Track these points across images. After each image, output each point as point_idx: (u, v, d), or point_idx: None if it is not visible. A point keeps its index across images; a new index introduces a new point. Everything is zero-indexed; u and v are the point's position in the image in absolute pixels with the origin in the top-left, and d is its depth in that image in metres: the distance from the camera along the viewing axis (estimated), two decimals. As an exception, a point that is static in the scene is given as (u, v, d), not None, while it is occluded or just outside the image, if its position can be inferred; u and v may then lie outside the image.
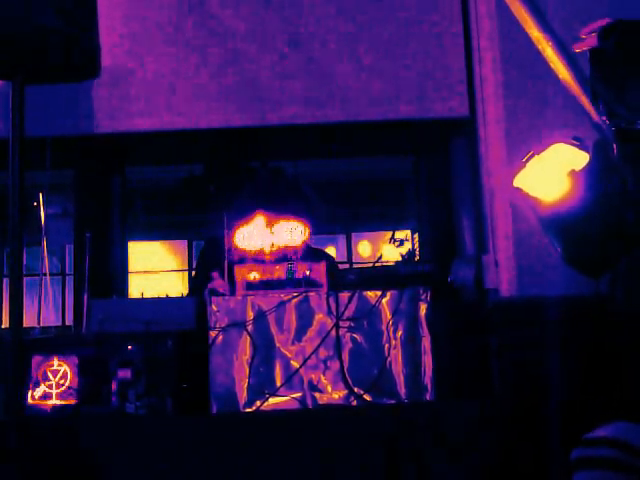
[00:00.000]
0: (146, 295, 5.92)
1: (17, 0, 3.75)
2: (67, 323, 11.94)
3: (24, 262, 4.17)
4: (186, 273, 14.29)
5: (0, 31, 3.78)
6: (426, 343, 4.64)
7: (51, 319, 6.72)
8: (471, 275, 5.29)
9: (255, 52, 5.77)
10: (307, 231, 4.92)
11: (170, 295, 6.18)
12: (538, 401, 4.38)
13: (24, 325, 4.06)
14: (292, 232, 4.89)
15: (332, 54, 5.81)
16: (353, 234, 14.20)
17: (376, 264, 5.05)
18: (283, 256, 4.82)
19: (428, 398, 4.59)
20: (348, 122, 5.88)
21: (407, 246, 5.72)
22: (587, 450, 2.17)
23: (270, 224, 4.93)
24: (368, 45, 5.79)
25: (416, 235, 7.92)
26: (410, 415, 4.38)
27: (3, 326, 8.39)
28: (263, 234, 4.89)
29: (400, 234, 6.49)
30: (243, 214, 5.10)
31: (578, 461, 2.21)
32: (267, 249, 4.85)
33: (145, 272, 14.14)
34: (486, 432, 4.25)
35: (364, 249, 13.99)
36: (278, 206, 5.27)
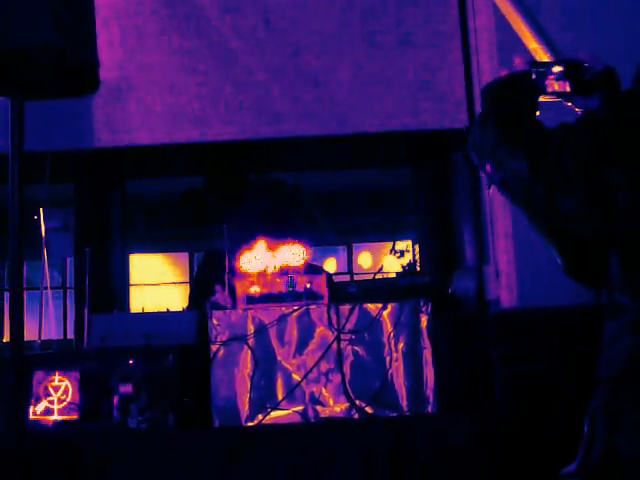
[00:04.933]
0: (147, 308, 5.92)
1: (15, 17, 3.75)
2: (68, 336, 11.94)
3: (25, 276, 4.17)
4: (187, 285, 14.28)
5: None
6: (427, 355, 4.64)
7: (52, 333, 6.73)
8: (472, 286, 5.28)
9: (253, 67, 5.78)
10: (307, 252, 4.93)
11: (171, 308, 6.18)
12: (539, 412, 4.38)
13: (25, 339, 4.06)
14: (293, 255, 4.90)
15: (329, 67, 5.82)
16: (354, 245, 14.20)
17: (377, 275, 5.05)
18: (283, 271, 4.82)
19: (430, 410, 4.58)
20: (346, 135, 5.88)
21: (408, 257, 5.71)
22: None
23: (272, 249, 4.94)
24: (366, 58, 5.79)
25: (417, 246, 7.91)
26: (412, 428, 4.37)
27: (4, 340, 8.39)
28: (265, 258, 4.90)
29: (401, 245, 6.47)
30: (243, 232, 5.11)
31: None
32: (270, 271, 4.85)
33: (146, 285, 14.13)
34: (488, 444, 4.25)
35: (365, 260, 13.98)
36: (278, 226, 5.27)
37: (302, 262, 4.92)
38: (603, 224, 1.98)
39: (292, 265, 4.87)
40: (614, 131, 1.98)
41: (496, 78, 2.34)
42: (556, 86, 2.39)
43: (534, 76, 2.35)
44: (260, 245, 4.95)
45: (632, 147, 1.95)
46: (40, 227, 6.08)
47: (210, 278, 5.26)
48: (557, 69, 2.39)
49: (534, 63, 2.39)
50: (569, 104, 2.44)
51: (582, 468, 2.08)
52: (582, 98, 2.39)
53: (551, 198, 1.98)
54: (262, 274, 4.82)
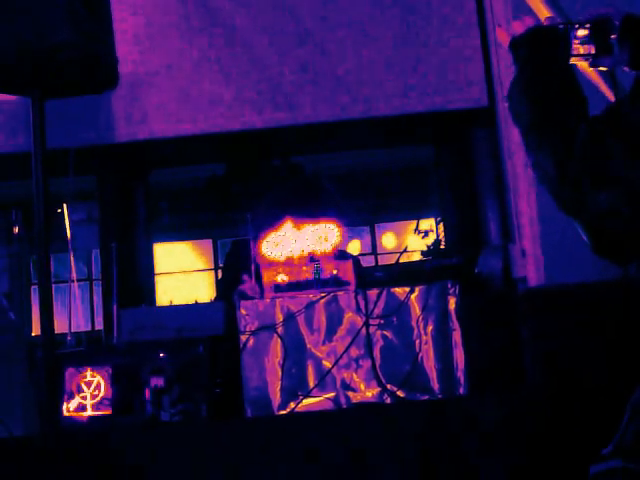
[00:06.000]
0: (174, 298, 5.95)
1: (33, 17, 3.77)
2: (97, 327, 12.01)
3: (52, 269, 4.20)
4: (212, 272, 14.31)
5: (18, 48, 3.81)
6: (457, 337, 4.63)
7: (81, 324, 6.77)
8: (498, 265, 5.26)
9: (271, 54, 5.77)
10: (339, 231, 4.90)
11: (196, 296, 6.20)
12: (571, 390, 4.36)
13: (55, 332, 4.09)
14: (323, 234, 4.87)
15: (350, 48, 5.80)
16: (377, 226, 14.16)
17: (401, 256, 5.04)
18: (309, 257, 4.81)
19: (461, 392, 4.58)
20: (368, 117, 5.87)
21: (432, 236, 5.70)
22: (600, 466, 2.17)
23: (298, 228, 4.91)
24: (386, 37, 5.77)
25: (440, 225, 7.89)
26: (444, 410, 4.37)
27: (34, 334, 8.45)
28: (292, 240, 4.87)
29: (425, 224, 6.45)
30: (268, 218, 5.10)
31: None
32: (296, 255, 4.82)
33: (171, 273, 14.17)
34: (519, 426, 4.24)
35: (389, 240, 13.93)
36: (302, 210, 5.25)
37: (337, 242, 4.88)
38: (636, 222, 1.97)
39: (320, 250, 4.85)
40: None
41: (527, 30, 2.29)
42: (581, 50, 2.35)
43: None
44: (286, 227, 4.94)
45: None
46: (65, 221, 6.10)
47: (237, 268, 5.26)
48: (582, 33, 2.35)
49: (556, 27, 2.35)
50: (595, 67, 2.41)
51: (618, 447, 2.08)
52: (608, 57, 2.36)
53: (579, 199, 1.97)
54: (289, 262, 4.81)
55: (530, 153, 2.12)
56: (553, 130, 2.09)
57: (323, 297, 4.66)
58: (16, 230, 7.41)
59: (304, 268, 4.75)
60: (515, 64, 2.28)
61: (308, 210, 5.45)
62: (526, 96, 2.18)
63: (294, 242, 4.86)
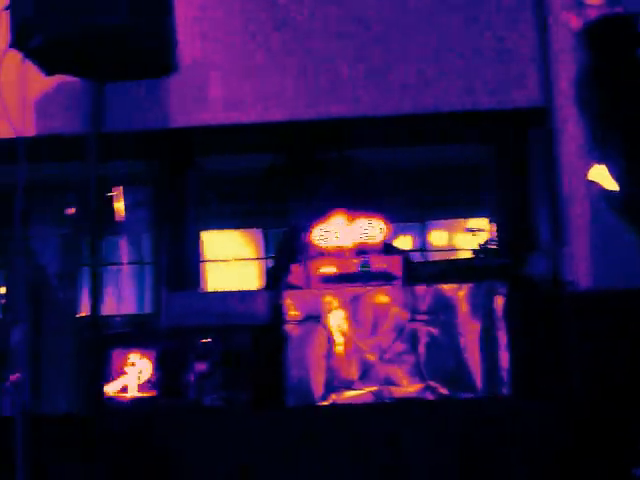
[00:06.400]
0: (222, 286, 5.96)
1: (93, 2, 3.80)
2: (145, 311, 12.07)
3: (103, 252, 4.24)
4: (261, 262, 14.32)
5: (80, 31, 3.85)
6: (502, 336, 4.61)
7: (130, 307, 6.83)
8: (548, 268, 5.23)
9: (331, 47, 5.77)
10: (386, 228, 4.91)
11: (246, 286, 6.21)
12: (615, 393, 4.34)
13: (104, 313, 4.12)
14: (371, 229, 4.88)
15: (411, 43, 5.80)
16: (428, 222, 14.09)
17: (451, 254, 5.03)
18: (358, 250, 4.81)
19: (505, 392, 4.56)
20: (425, 113, 5.87)
21: (483, 236, 5.67)
22: None
23: (350, 221, 4.92)
24: (443, 36, 5.76)
25: (492, 225, 7.84)
26: (486, 410, 4.35)
27: (83, 314, 8.52)
28: (342, 232, 4.89)
29: (476, 223, 6.43)
30: (321, 208, 5.11)
31: None
32: (345, 247, 4.83)
33: (220, 260, 14.20)
34: (563, 429, 4.21)
35: (439, 238, 13.88)
36: (353, 204, 5.26)
37: (382, 238, 4.90)
38: None
39: (369, 243, 4.86)
40: None
41: (597, 19, 2.26)
42: None
43: None
44: (337, 218, 4.95)
45: None
46: (118, 204, 6.15)
47: (287, 257, 5.27)
48: None
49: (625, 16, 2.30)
50: None
51: None
52: None
53: None
54: (337, 254, 4.81)
55: (597, 144, 2.10)
56: (622, 119, 2.07)
57: (370, 291, 4.66)
58: (69, 211, 7.48)
59: (352, 261, 4.76)
60: (584, 52, 2.26)
61: (360, 203, 5.44)
62: (596, 83, 2.16)
63: (344, 234, 4.87)
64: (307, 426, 4.32)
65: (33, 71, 4.16)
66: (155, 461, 4.21)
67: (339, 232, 4.88)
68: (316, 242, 4.88)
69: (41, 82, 4.79)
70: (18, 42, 3.93)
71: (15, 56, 4.02)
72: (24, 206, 3.92)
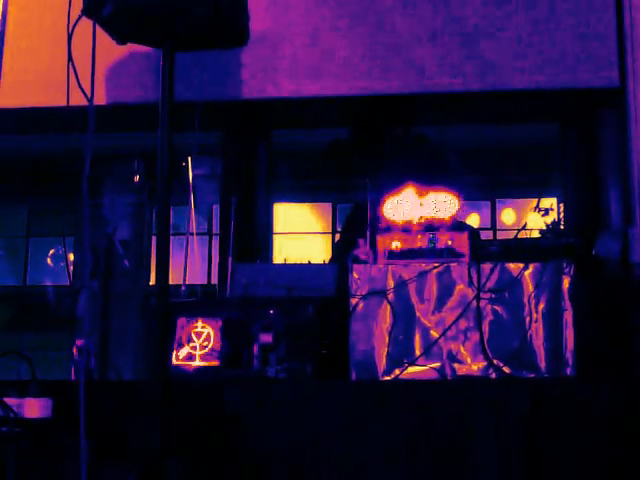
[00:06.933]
0: (289, 258, 5.98)
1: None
2: (212, 281, 12.17)
3: (172, 221, 4.28)
4: (329, 236, 14.37)
5: (149, 0, 3.87)
6: (568, 317, 4.57)
7: (197, 277, 6.87)
8: (617, 249, 5.18)
9: (403, 22, 5.75)
10: (458, 203, 4.88)
11: (313, 259, 6.23)
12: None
13: (171, 283, 4.16)
14: (442, 204, 4.86)
15: (484, 20, 5.75)
16: (497, 201, 14.04)
17: (520, 233, 5.00)
18: (426, 226, 4.80)
19: (569, 373, 4.52)
20: (496, 90, 5.83)
21: (552, 215, 5.63)
22: None
23: (420, 195, 4.91)
24: (517, 14, 5.70)
25: (561, 204, 7.77)
26: (550, 390, 4.32)
27: (150, 283, 8.64)
28: (412, 205, 4.87)
29: (545, 202, 6.37)
30: (391, 182, 5.10)
31: None
32: (415, 221, 4.82)
33: (289, 233, 14.27)
34: (629, 414, 4.16)
35: (508, 217, 13.82)
36: (424, 180, 5.23)
37: (452, 214, 4.87)
38: None
39: (438, 218, 4.84)
40: None
41: None
42: None
43: None
44: (408, 191, 4.94)
45: None
46: (188, 174, 6.20)
47: (355, 231, 5.27)
48: None
49: None
50: None
51: None
52: None
53: None
54: (405, 228, 4.80)
55: None
56: None
57: (436, 267, 4.65)
58: (137, 179, 7.55)
59: (419, 236, 4.75)
60: None
61: (430, 178, 5.42)
62: None
63: (414, 208, 4.86)
64: (370, 400, 4.32)
65: (105, 40, 4.19)
66: (218, 430, 4.24)
67: (410, 205, 4.86)
68: (386, 215, 4.87)
69: (112, 51, 4.82)
70: (90, 10, 3.96)
71: (87, 24, 4.05)
72: (95, 174, 3.96)
